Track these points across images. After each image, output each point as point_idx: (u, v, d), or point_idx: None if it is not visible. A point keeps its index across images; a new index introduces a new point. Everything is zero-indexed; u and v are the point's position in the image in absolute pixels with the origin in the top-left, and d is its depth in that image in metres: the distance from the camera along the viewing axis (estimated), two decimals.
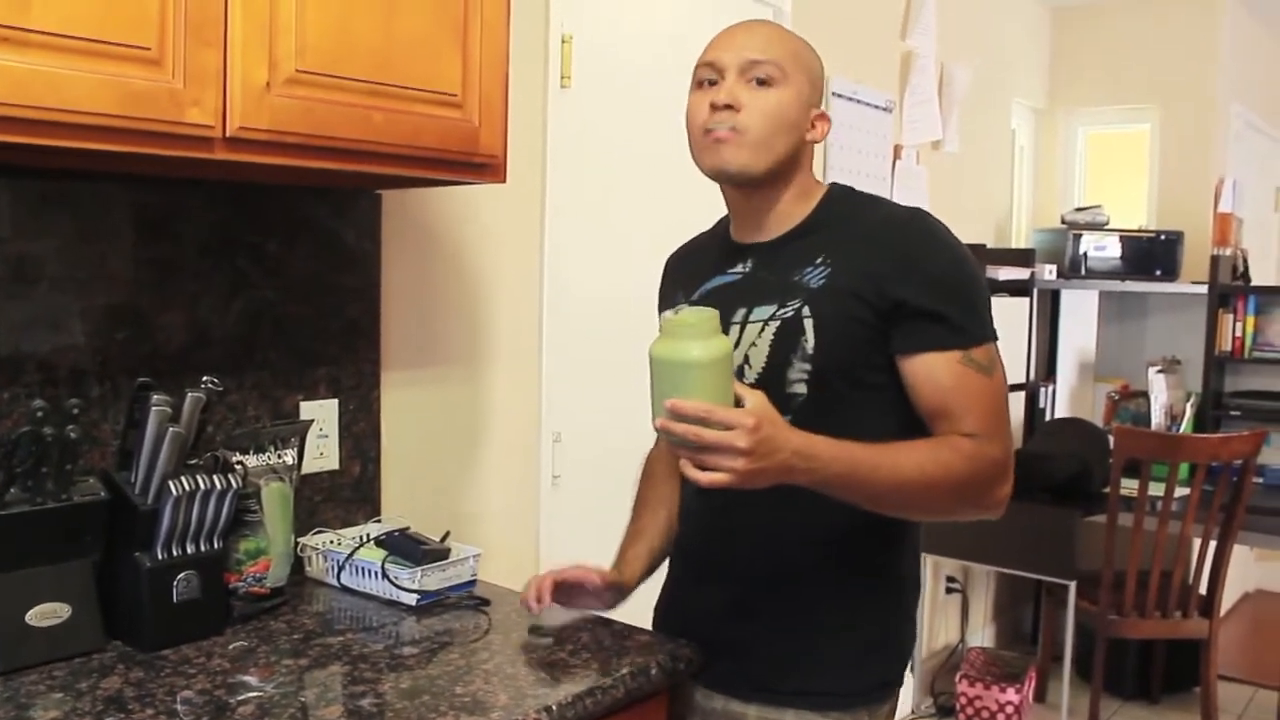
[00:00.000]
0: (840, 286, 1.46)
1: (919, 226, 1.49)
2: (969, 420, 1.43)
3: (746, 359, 1.50)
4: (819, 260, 1.49)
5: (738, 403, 1.30)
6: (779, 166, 1.50)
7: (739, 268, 1.57)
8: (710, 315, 1.33)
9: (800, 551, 1.53)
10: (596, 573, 1.61)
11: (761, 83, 1.48)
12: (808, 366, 1.47)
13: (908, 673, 4.23)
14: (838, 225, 1.52)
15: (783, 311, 1.49)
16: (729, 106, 1.47)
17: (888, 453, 1.39)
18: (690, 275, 1.65)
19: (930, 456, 1.41)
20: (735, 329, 1.51)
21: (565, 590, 1.61)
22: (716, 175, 1.51)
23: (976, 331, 1.45)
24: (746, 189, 1.53)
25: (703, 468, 1.29)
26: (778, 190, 1.53)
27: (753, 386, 1.45)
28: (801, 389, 1.47)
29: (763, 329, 1.50)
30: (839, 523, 1.49)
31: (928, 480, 1.40)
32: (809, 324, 1.47)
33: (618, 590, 1.64)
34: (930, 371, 1.44)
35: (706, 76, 1.51)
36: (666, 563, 1.72)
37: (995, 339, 1.48)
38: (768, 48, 1.50)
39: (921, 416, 1.47)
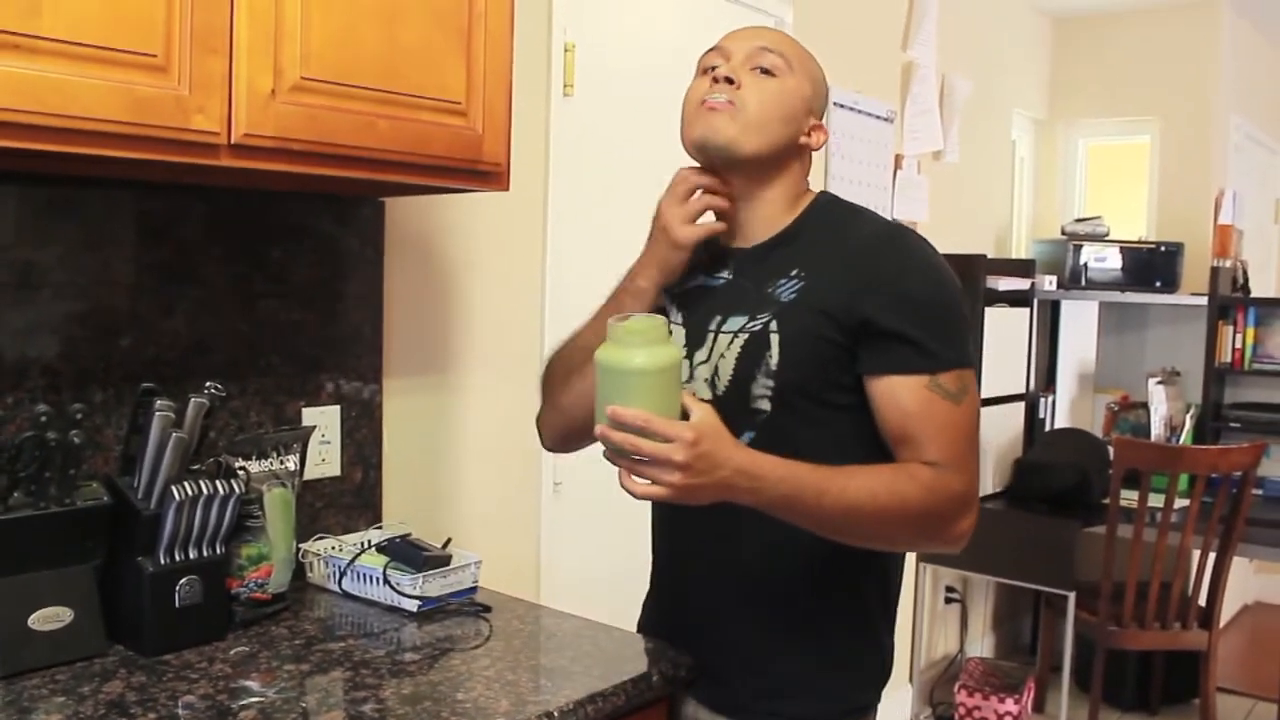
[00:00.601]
0: (810, 302, 1.43)
1: (896, 244, 1.45)
2: (932, 449, 1.38)
3: (716, 371, 1.48)
4: (793, 273, 1.46)
5: (686, 415, 1.27)
6: (767, 156, 1.47)
7: (723, 274, 1.54)
8: (658, 323, 1.30)
9: (770, 574, 1.50)
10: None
11: (765, 72, 1.47)
12: (770, 383, 1.43)
13: (906, 682, 4.22)
14: (817, 237, 1.49)
15: (752, 324, 1.46)
16: (729, 81, 1.45)
17: (837, 477, 1.33)
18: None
19: (884, 484, 1.35)
20: (709, 337, 1.50)
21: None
22: (702, 146, 1.47)
23: (946, 356, 1.39)
24: (730, 175, 1.49)
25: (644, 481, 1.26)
26: (761, 188, 1.50)
27: (719, 399, 1.44)
28: (765, 405, 1.44)
29: (732, 341, 1.47)
30: (809, 548, 1.44)
31: (879, 508, 1.34)
32: (774, 339, 1.43)
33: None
34: (893, 395, 1.39)
35: (711, 63, 1.50)
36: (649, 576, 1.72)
37: (968, 366, 1.42)
38: (776, 42, 1.50)
39: (886, 441, 1.42)
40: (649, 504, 1.65)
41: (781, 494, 1.31)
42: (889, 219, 1.53)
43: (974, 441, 1.43)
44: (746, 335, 1.46)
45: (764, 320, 1.45)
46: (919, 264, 1.44)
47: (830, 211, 1.54)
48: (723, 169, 1.49)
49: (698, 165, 1.51)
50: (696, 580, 1.57)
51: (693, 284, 1.56)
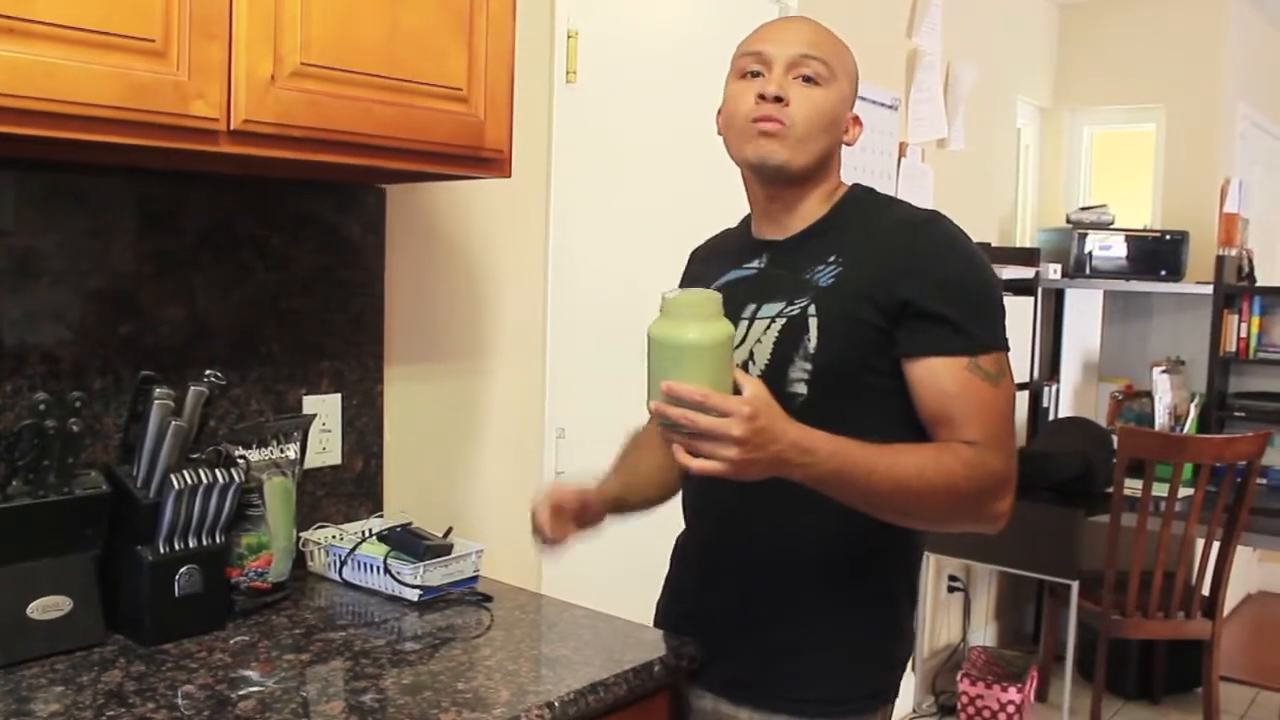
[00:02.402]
0: (849, 286, 1.45)
1: (934, 229, 1.47)
2: (971, 428, 1.39)
3: (751, 355, 1.49)
4: (831, 259, 1.48)
5: (737, 390, 1.26)
6: (815, 166, 1.50)
7: (755, 263, 1.55)
8: (711, 297, 1.29)
9: (796, 561, 1.51)
10: (581, 494, 1.60)
11: (808, 80, 1.47)
12: (809, 366, 1.45)
13: (909, 671, 4.21)
14: (853, 225, 1.51)
15: (790, 309, 1.47)
16: (778, 99, 1.46)
17: (886, 454, 1.35)
18: (708, 270, 1.64)
19: (931, 461, 1.37)
20: (744, 324, 1.50)
21: (564, 516, 1.58)
22: (757, 167, 1.49)
23: (985, 339, 1.42)
24: (777, 186, 1.52)
25: (696, 454, 1.25)
26: (805, 190, 1.53)
27: None
28: (802, 389, 1.45)
29: (769, 326, 1.48)
30: (836, 532, 1.47)
31: (926, 485, 1.35)
32: (813, 323, 1.45)
33: (607, 504, 1.63)
34: (934, 376, 1.41)
35: (750, 67, 1.50)
36: (667, 563, 1.72)
37: (1006, 349, 1.45)
38: (816, 45, 1.49)
39: (924, 423, 1.44)
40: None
41: (833, 469, 1.32)
42: (923, 207, 1.54)
43: (1011, 423, 1.45)
44: (784, 320, 1.47)
45: (802, 304, 1.46)
46: (958, 248, 1.46)
47: (865, 201, 1.56)
48: (772, 184, 1.52)
49: (569, 489, 1.60)
50: (726, 565, 1.57)
51: (722, 280, 1.58)
